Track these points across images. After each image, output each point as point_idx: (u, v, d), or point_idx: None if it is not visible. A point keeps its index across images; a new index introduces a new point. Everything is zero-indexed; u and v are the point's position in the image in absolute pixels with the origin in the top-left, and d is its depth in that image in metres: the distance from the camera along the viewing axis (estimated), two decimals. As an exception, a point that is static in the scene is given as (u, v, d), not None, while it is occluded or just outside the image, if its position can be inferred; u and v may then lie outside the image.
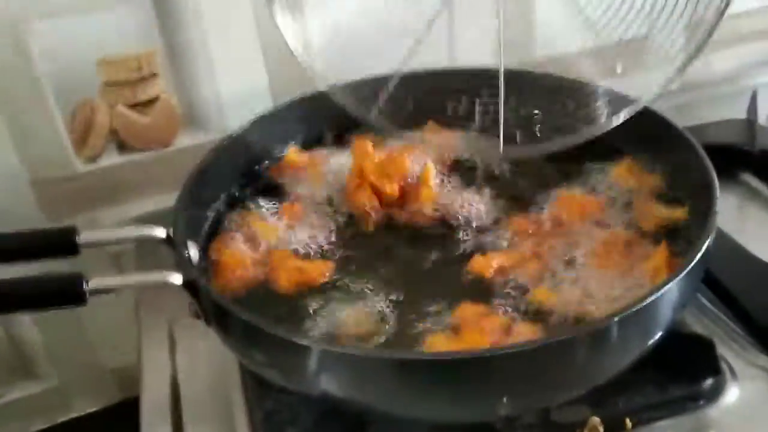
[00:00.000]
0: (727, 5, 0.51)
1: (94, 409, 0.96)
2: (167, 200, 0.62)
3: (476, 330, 0.52)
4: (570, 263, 0.58)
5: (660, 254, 0.55)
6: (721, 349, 0.59)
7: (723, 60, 1.01)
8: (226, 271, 0.60)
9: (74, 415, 0.96)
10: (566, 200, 0.64)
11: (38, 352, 0.90)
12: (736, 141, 0.82)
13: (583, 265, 0.57)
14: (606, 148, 0.67)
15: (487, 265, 0.58)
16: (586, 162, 0.68)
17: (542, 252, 0.59)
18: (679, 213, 0.61)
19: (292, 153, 0.72)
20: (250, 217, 0.66)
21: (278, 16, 0.57)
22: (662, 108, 0.74)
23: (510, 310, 0.55)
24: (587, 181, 0.67)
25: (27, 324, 0.87)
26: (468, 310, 0.54)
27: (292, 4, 0.58)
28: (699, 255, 0.49)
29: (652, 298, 0.47)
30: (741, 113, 0.87)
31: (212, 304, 0.52)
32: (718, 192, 0.55)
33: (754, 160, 0.80)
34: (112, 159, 0.83)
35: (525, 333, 0.51)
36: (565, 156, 0.60)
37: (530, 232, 0.62)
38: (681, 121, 0.80)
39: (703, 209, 0.55)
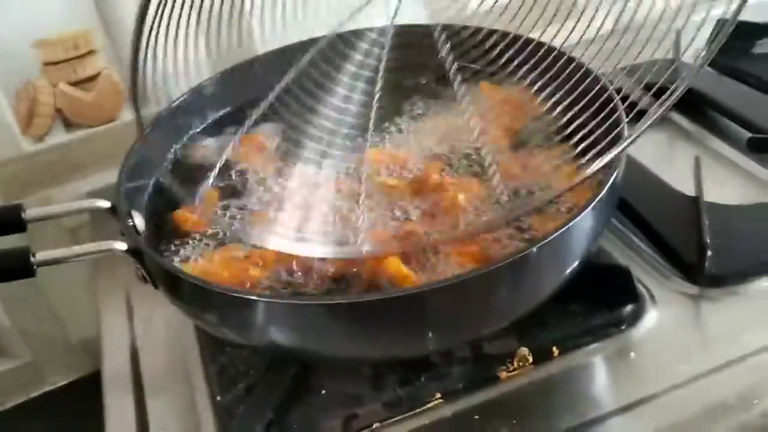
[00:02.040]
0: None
1: (66, 381, 0.99)
2: (116, 175, 0.64)
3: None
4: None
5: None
6: (642, 277, 0.63)
7: (652, 3, 1.03)
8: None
9: (48, 388, 0.98)
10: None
11: (8, 331, 0.93)
12: (660, 80, 0.85)
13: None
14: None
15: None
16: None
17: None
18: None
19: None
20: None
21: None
22: (596, 51, 0.77)
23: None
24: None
25: (-8, 303, 0.89)
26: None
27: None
28: (605, 189, 0.52)
29: (566, 227, 0.49)
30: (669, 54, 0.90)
31: (156, 267, 0.55)
32: (626, 124, 0.58)
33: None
34: (59, 137, 0.85)
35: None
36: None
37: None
38: (614, 63, 0.83)
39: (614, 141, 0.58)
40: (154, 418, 0.60)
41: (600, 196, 0.52)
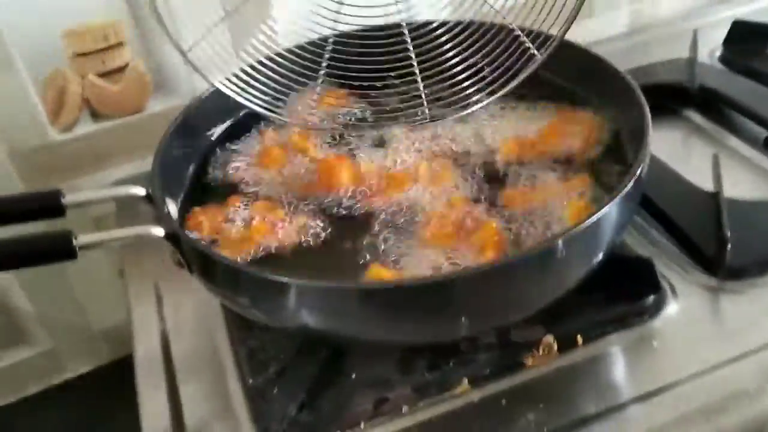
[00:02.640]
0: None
1: (86, 370, 1.01)
2: (142, 165, 0.66)
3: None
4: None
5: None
6: (663, 269, 0.64)
7: (669, 2, 1.05)
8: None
9: (68, 376, 1.00)
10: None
11: (30, 318, 0.94)
12: (678, 79, 0.87)
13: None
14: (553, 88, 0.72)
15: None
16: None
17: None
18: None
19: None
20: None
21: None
22: (613, 50, 0.79)
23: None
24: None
25: (16, 291, 0.91)
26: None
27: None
28: (633, 180, 0.54)
29: (592, 220, 0.51)
30: (685, 53, 0.91)
31: (193, 251, 0.56)
32: (650, 121, 0.59)
33: (694, 96, 0.85)
34: (87, 127, 0.86)
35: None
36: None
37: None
38: (630, 61, 0.85)
39: (637, 138, 0.59)
40: (187, 403, 0.61)
41: (627, 188, 0.53)
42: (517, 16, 0.68)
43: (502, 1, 0.70)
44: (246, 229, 0.63)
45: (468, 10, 0.71)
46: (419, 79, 0.69)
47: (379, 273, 0.56)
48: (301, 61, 0.73)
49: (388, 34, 0.72)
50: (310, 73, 0.72)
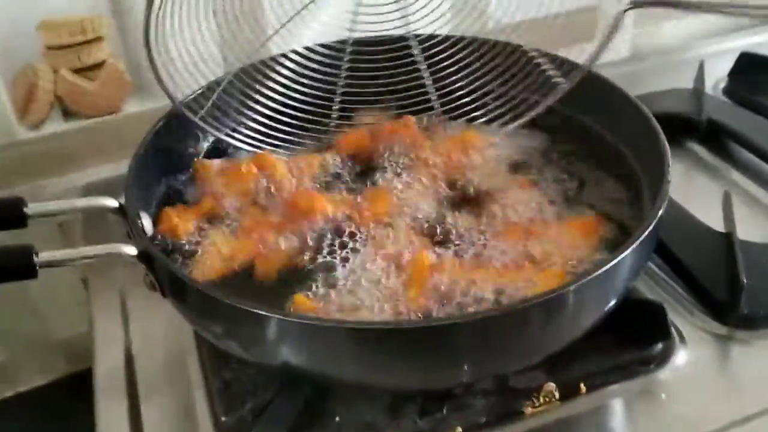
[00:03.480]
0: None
1: (41, 383, 0.94)
2: (115, 169, 0.61)
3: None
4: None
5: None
6: (670, 315, 0.60)
7: (673, 30, 1.03)
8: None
9: (21, 389, 0.94)
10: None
11: (-16, 327, 0.88)
12: (684, 110, 0.84)
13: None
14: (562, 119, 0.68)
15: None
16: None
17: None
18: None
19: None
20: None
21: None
22: (613, 76, 0.75)
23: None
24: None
25: (-30, 297, 0.84)
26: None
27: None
28: (653, 224, 0.50)
29: (608, 266, 0.47)
30: (689, 83, 0.89)
31: (168, 275, 0.51)
32: (670, 161, 0.56)
33: (700, 129, 0.82)
34: (57, 126, 0.81)
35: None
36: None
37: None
38: (631, 89, 0.81)
39: (655, 179, 0.56)
40: (148, 430, 0.56)
41: (646, 232, 0.50)
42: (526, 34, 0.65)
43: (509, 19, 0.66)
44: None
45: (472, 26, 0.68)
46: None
47: (303, 303, 0.53)
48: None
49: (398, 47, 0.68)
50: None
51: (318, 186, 0.66)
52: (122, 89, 0.80)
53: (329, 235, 0.60)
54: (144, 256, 0.52)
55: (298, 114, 0.68)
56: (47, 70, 0.78)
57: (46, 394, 0.94)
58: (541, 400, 0.54)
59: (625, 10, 0.57)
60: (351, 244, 0.59)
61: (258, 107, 0.67)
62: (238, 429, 0.53)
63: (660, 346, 0.58)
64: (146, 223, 0.58)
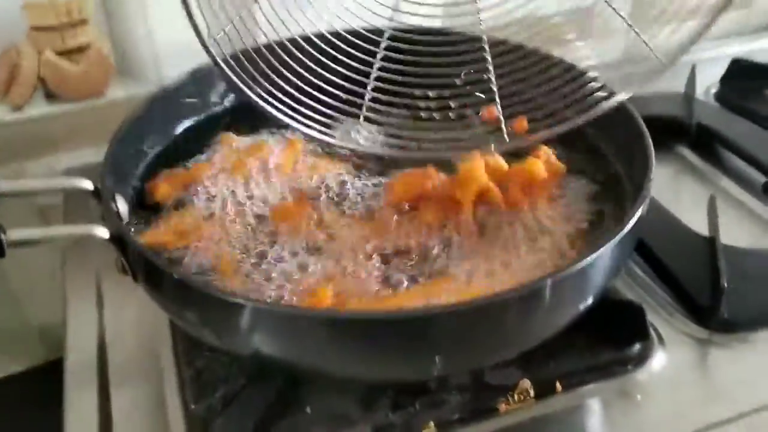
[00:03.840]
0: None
1: (19, 370, 0.93)
2: (96, 153, 0.60)
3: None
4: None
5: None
6: (651, 316, 0.60)
7: (669, 35, 1.02)
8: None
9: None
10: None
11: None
12: (674, 114, 0.83)
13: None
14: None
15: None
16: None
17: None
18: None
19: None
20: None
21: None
22: (607, 78, 0.75)
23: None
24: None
25: (-54, 279, 0.83)
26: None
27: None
28: (632, 223, 0.49)
29: (584, 263, 0.46)
30: (680, 87, 0.88)
31: (141, 259, 0.50)
32: (654, 161, 0.55)
33: (690, 133, 0.81)
34: (39, 108, 0.79)
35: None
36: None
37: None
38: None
39: (638, 179, 0.55)
40: (119, 421, 0.55)
41: (625, 230, 0.49)
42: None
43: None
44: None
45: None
46: (498, 100, 0.61)
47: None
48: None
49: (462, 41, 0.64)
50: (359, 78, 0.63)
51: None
52: (106, 73, 0.79)
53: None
54: (116, 239, 0.51)
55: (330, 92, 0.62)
56: (31, 51, 0.77)
57: (24, 380, 0.93)
58: (516, 397, 0.54)
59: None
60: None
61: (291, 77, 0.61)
62: (207, 417, 0.52)
63: (638, 346, 0.57)
64: (121, 206, 0.57)
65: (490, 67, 0.62)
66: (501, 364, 0.54)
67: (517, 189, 0.58)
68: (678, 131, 0.82)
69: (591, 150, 0.65)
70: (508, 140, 0.61)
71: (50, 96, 0.80)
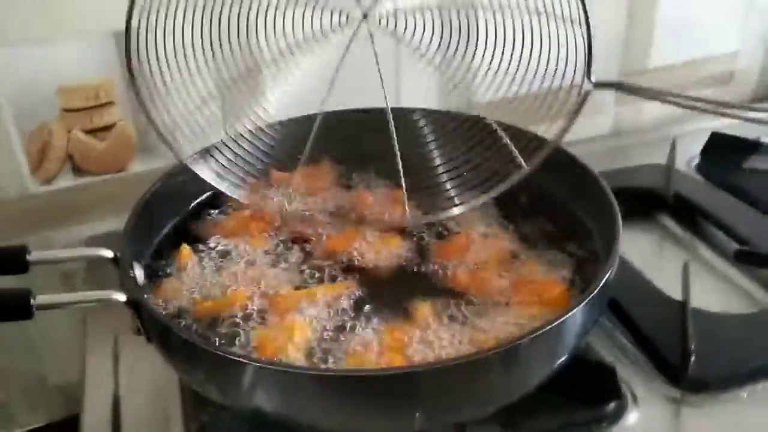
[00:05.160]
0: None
1: (38, 425, 0.97)
2: (120, 222, 0.66)
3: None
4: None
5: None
6: (626, 375, 0.64)
7: (652, 110, 1.08)
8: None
9: (18, 431, 0.96)
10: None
11: (-17, 367, 0.92)
12: (654, 185, 0.88)
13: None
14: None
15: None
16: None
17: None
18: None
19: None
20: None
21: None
22: (593, 150, 0.80)
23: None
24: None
25: (-28, 339, 0.88)
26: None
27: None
28: (601, 284, 0.54)
29: (557, 323, 0.51)
30: (665, 159, 0.93)
31: (153, 321, 0.55)
32: (620, 226, 0.60)
33: (668, 202, 0.86)
34: (67, 181, 0.86)
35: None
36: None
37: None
38: (611, 164, 0.87)
39: (607, 243, 0.60)
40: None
41: (594, 292, 0.53)
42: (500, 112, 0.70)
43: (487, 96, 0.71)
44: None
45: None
46: (401, 176, 0.67)
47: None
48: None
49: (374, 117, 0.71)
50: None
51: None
52: (129, 150, 0.86)
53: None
54: (132, 303, 0.56)
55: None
56: (61, 130, 0.84)
57: (44, 435, 0.97)
58: (496, 453, 0.57)
59: (583, 94, 0.62)
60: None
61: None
62: (210, 469, 0.57)
63: (612, 405, 0.61)
64: (138, 272, 0.62)
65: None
66: (480, 421, 0.58)
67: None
68: (658, 201, 0.87)
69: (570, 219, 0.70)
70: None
71: (77, 170, 0.87)
